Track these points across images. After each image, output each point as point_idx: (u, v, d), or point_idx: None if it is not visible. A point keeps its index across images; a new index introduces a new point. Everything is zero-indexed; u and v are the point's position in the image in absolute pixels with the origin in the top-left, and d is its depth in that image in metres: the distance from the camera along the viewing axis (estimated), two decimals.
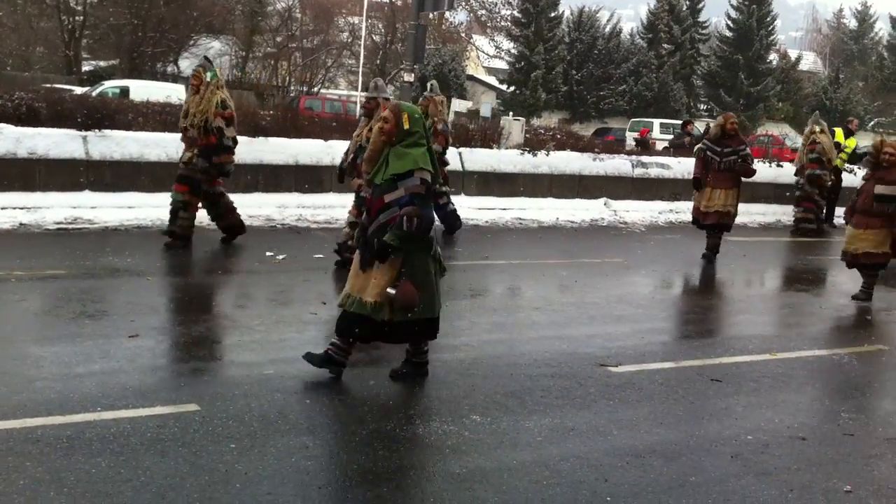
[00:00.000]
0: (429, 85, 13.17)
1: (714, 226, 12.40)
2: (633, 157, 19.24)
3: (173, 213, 10.62)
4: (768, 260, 14.01)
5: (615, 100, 51.77)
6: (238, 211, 11.23)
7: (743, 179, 12.35)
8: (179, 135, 10.85)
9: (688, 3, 57.30)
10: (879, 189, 9.87)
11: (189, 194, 10.61)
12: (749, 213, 18.40)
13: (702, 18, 58.67)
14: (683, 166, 19.26)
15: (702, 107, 57.43)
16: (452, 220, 13.15)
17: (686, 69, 54.98)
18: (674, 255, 13.16)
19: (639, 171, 18.35)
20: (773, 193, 19.61)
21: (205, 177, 10.57)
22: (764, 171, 20.22)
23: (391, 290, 5.84)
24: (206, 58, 10.96)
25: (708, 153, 12.29)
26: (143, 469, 4.55)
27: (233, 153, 10.67)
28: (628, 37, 56.17)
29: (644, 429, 5.72)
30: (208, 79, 10.38)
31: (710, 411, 6.16)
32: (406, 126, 5.90)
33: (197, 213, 10.84)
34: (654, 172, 18.62)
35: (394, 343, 6.27)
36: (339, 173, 10.37)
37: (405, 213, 5.80)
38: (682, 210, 17.75)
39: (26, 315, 7.31)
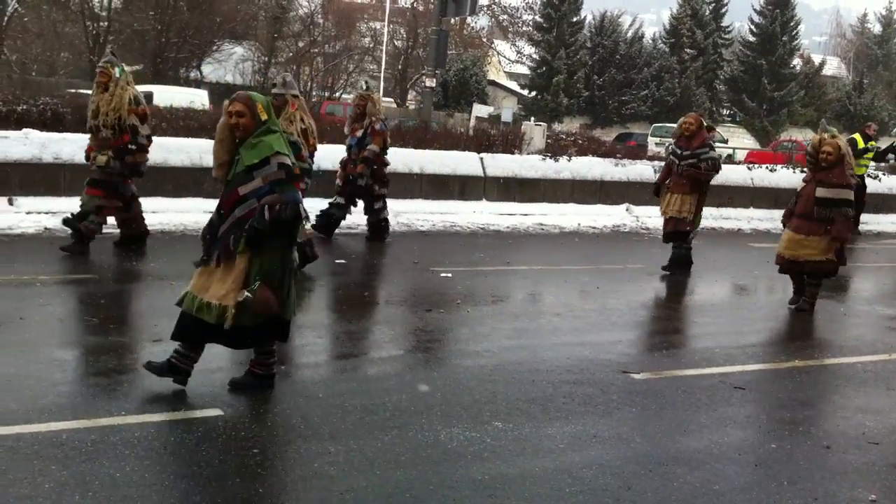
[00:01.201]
0: (365, 82, 12.73)
1: (671, 234, 11.55)
2: (656, 162, 19.16)
3: (81, 215, 10.00)
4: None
5: (637, 105, 51.65)
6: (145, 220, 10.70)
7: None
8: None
9: (711, 7, 57.09)
10: (821, 192, 9.20)
11: (105, 198, 10.02)
12: (773, 220, 18.27)
13: (725, 23, 58.44)
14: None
15: (725, 112, 57.17)
16: (381, 231, 12.72)
17: (709, 74, 54.76)
18: (696, 261, 13.09)
19: None
20: None
21: (120, 178, 10.03)
22: (787, 177, 20.11)
23: (248, 294, 5.42)
24: (112, 53, 10.32)
25: (671, 156, 11.61)
26: (168, 473, 4.58)
27: (146, 152, 10.12)
28: (650, 41, 56.03)
29: (667, 436, 5.69)
30: (117, 75, 9.79)
31: (733, 419, 6.12)
32: (263, 117, 5.54)
33: (107, 219, 10.28)
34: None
35: (238, 349, 5.90)
36: None
37: (266, 202, 5.43)
38: (705, 216, 17.67)
39: (51, 319, 7.38)
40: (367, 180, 12.18)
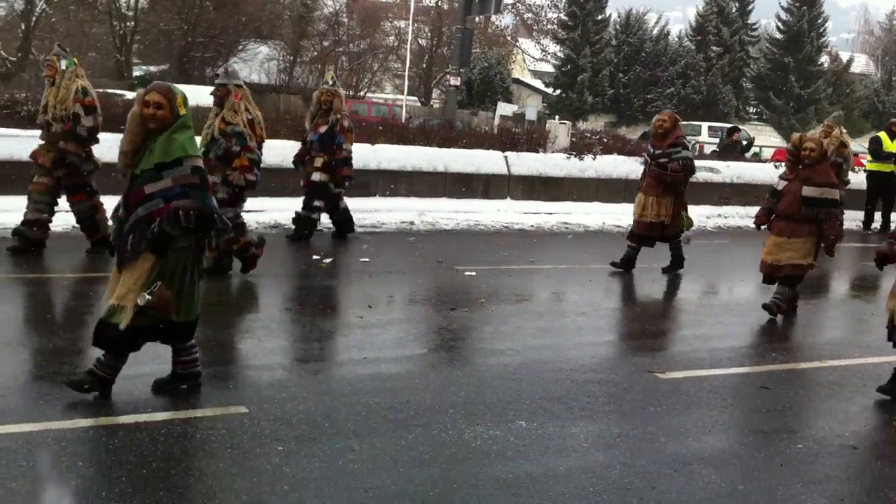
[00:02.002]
0: (329, 78, 12.17)
1: (647, 238, 11.01)
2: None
3: (90, 225, 9.85)
4: (819, 266, 13.78)
5: (662, 103, 51.31)
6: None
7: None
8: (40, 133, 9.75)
9: (737, 4, 56.65)
10: (808, 191, 8.69)
11: (89, 198, 9.81)
12: None
13: (751, 20, 57.97)
14: (732, 170, 19.09)
15: (751, 110, 56.75)
16: (346, 224, 12.37)
17: (735, 72, 54.36)
18: (721, 260, 13.03)
19: None
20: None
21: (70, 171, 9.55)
22: None
23: (147, 296, 5.22)
24: (59, 45, 9.84)
25: (645, 154, 11.13)
26: (193, 470, 4.62)
27: (86, 145, 9.57)
28: (676, 39, 55.68)
29: (692, 436, 5.67)
30: (63, 67, 9.38)
31: (759, 419, 6.09)
32: (181, 112, 5.33)
33: (105, 212, 9.57)
34: (701, 176, 18.37)
35: (133, 351, 5.57)
36: None
37: (180, 206, 5.21)
38: (731, 215, 17.62)
39: (80, 318, 7.45)
40: (323, 177, 11.64)
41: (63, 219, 10.39)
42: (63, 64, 9.41)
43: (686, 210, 11.05)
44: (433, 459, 4.97)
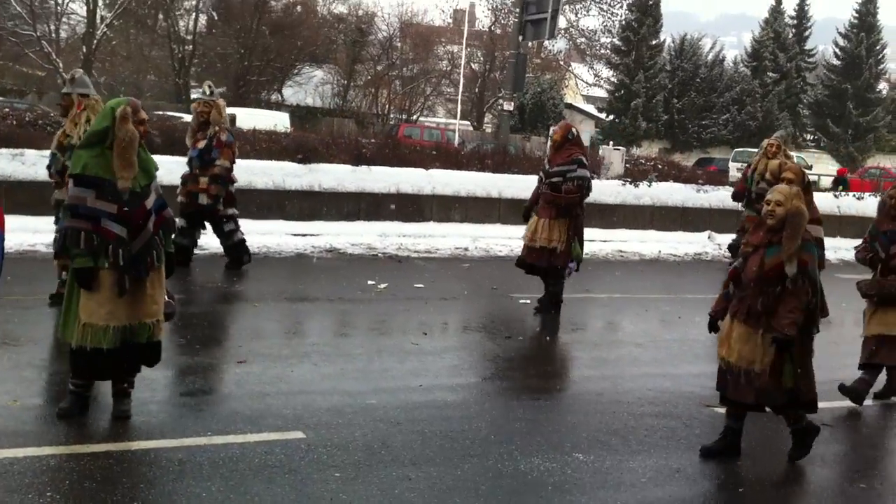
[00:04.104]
0: (205, 86, 11.07)
1: (537, 267, 9.72)
2: None
3: None
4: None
5: (717, 129, 50.90)
6: None
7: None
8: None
9: (794, 30, 56.08)
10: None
11: None
12: None
13: (808, 46, 57.32)
14: None
15: (809, 137, 55.96)
16: (239, 254, 10.87)
17: (792, 98, 53.70)
18: None
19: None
20: None
21: None
22: (874, 206, 19.55)
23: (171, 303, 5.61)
24: None
25: (540, 172, 9.84)
26: (252, 495, 4.64)
27: None
28: (731, 65, 55.19)
29: (751, 474, 5.57)
30: None
31: (819, 456, 5.95)
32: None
33: None
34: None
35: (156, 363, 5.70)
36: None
37: (169, 216, 5.56)
38: None
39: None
40: (211, 199, 10.47)
41: None
42: None
43: (581, 238, 9.72)
44: (490, 491, 4.94)
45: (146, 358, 5.57)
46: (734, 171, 33.44)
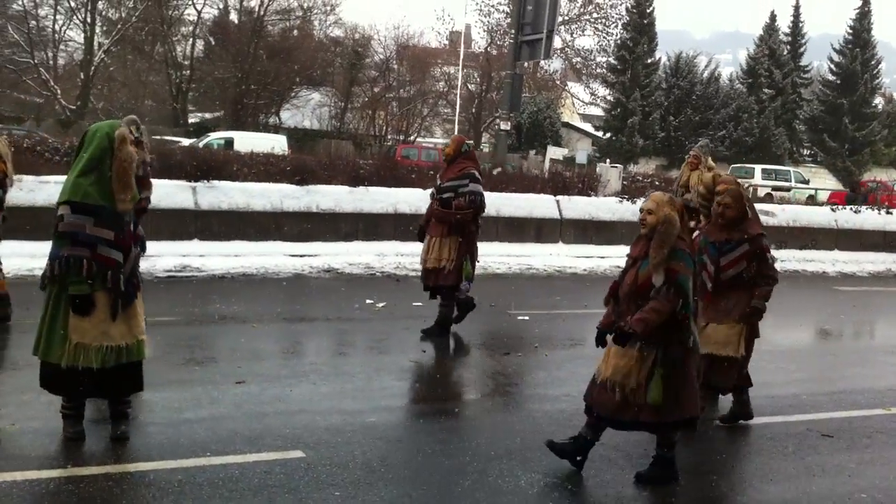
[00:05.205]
0: None
1: (432, 288, 9.16)
2: None
3: None
4: (879, 310, 13.51)
5: (715, 146, 51.02)
6: None
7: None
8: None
9: (788, 47, 56.33)
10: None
11: None
12: (858, 262, 17.89)
13: (803, 62, 57.54)
14: (788, 214, 18.88)
15: (805, 152, 56.10)
16: None
17: (788, 114, 53.87)
18: (779, 305, 12.79)
19: None
20: (882, 241, 18.99)
21: None
22: (873, 219, 19.62)
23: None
24: None
25: (433, 189, 9.33)
26: None
27: None
28: (727, 82, 55.40)
29: (754, 485, 5.56)
30: None
31: (821, 468, 5.94)
32: None
33: None
34: None
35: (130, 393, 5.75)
36: None
37: (142, 234, 5.71)
38: (788, 258, 17.34)
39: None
40: None
41: None
42: None
43: (473, 257, 9.18)
44: None
45: (136, 377, 5.64)
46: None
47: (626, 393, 5.25)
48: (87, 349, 5.32)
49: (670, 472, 5.45)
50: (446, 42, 51.04)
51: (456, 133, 40.49)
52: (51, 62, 44.60)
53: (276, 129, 42.74)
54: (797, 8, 56.81)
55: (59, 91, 42.10)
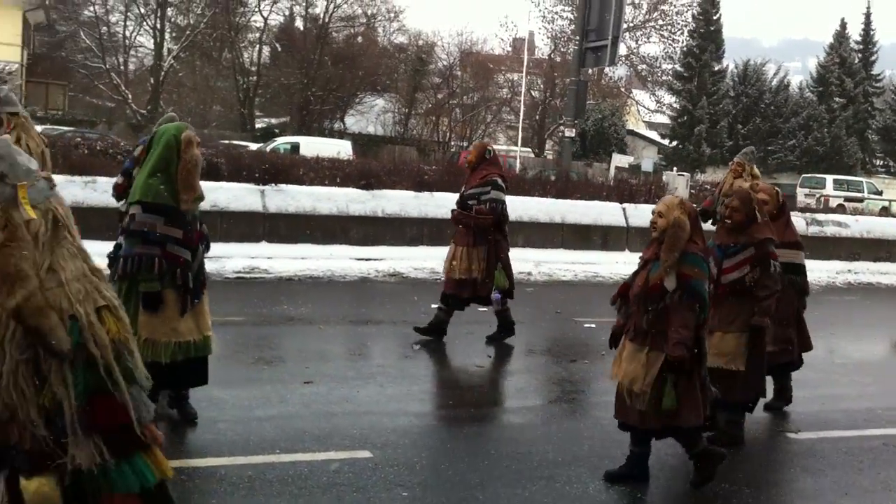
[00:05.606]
0: None
1: (456, 297, 8.82)
2: (808, 214, 18.59)
3: None
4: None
5: (784, 155, 50.13)
6: None
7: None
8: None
9: (860, 55, 55.12)
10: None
11: None
12: None
13: (875, 71, 56.25)
14: (861, 225, 18.45)
15: (878, 163, 54.78)
16: None
17: (860, 123, 52.69)
18: (853, 317, 12.53)
19: (813, 230, 17.64)
20: None
21: None
22: None
23: None
24: None
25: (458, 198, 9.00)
26: None
27: None
28: (797, 90, 54.41)
29: (828, 500, 5.43)
30: None
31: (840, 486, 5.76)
32: None
33: None
34: (829, 231, 17.86)
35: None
36: None
37: (205, 231, 5.82)
38: (861, 271, 16.96)
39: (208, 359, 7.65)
40: None
41: None
42: None
43: (506, 266, 8.89)
44: None
45: (202, 371, 5.79)
46: (802, 196, 32.88)
47: (633, 397, 5.15)
48: (156, 344, 5.43)
49: (714, 464, 5.35)
50: (509, 49, 50.97)
51: (519, 139, 40.51)
52: (122, 67, 45.65)
53: (341, 134, 43.12)
54: (868, 16, 55.64)
55: (130, 96, 43.10)
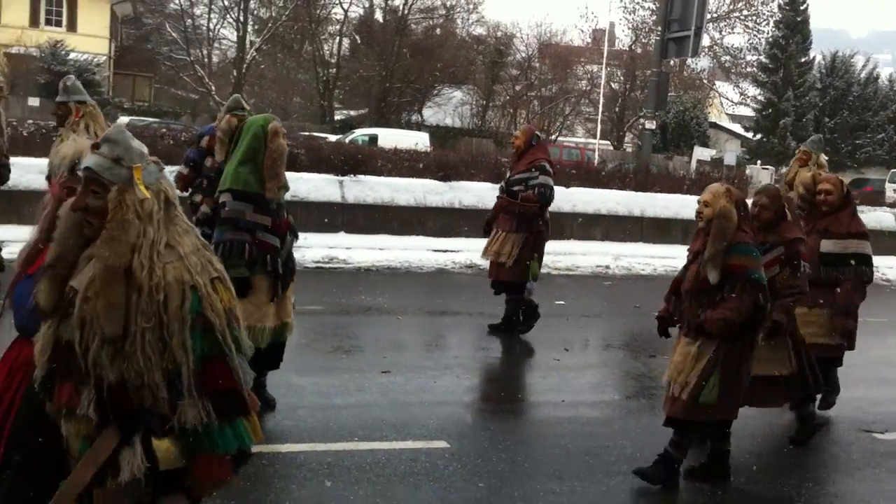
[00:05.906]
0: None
1: (497, 283, 8.76)
2: None
3: None
4: None
5: (872, 149, 48.63)
6: None
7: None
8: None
9: None
10: (827, 246, 6.58)
11: None
12: None
13: None
14: None
15: None
16: None
17: None
18: None
19: None
20: None
21: None
22: None
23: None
24: None
25: (502, 183, 8.91)
26: (398, 500, 4.69)
27: None
28: (886, 82, 52.67)
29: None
30: None
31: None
32: None
33: None
34: None
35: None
36: None
37: (291, 221, 5.88)
38: None
39: (288, 347, 7.75)
40: None
41: None
42: None
43: (540, 257, 8.67)
44: None
45: (277, 355, 5.91)
46: (891, 191, 31.87)
47: (677, 390, 5.03)
48: (253, 330, 5.48)
49: (722, 467, 5.28)
50: (589, 40, 50.47)
51: (598, 131, 40.13)
52: (205, 59, 46.61)
53: (419, 126, 43.30)
54: None
55: (213, 87, 43.96)
